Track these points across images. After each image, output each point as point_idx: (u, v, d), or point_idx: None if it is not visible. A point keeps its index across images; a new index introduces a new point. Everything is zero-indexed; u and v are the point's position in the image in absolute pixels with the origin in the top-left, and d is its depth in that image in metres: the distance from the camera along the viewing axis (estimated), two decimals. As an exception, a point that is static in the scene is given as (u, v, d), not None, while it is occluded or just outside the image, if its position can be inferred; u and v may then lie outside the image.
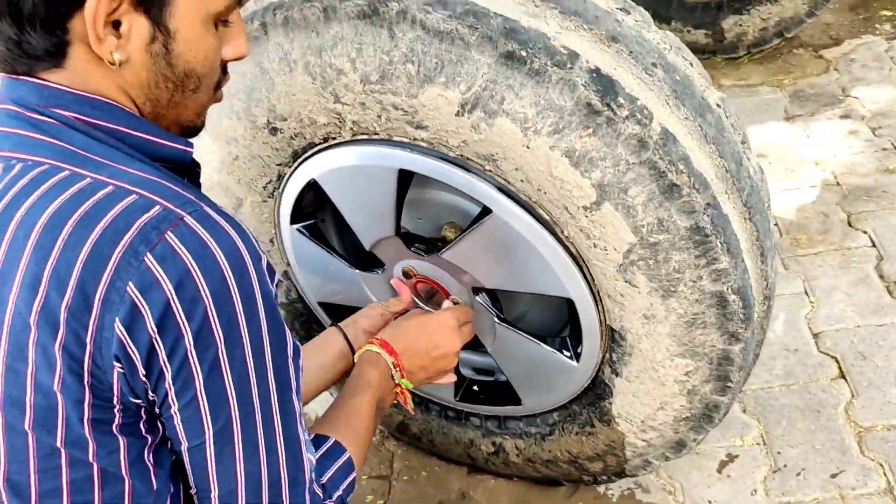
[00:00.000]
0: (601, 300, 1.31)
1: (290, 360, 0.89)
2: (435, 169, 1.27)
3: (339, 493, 1.01)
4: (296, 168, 1.43)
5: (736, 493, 1.72)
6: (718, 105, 1.25)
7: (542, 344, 1.46)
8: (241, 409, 0.84)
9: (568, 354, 1.46)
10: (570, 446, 1.60)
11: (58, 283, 0.77)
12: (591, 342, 1.39)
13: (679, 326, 1.27)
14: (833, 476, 1.71)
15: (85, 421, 0.81)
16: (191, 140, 0.95)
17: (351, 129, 1.30)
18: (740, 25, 3.17)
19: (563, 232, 1.25)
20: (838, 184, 2.52)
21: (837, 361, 1.95)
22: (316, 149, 1.38)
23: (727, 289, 1.22)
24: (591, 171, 1.15)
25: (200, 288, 0.78)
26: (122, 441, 0.84)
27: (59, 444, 0.82)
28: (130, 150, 0.87)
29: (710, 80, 1.27)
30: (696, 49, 3.27)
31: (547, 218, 1.24)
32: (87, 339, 0.77)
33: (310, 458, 0.93)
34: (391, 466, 1.90)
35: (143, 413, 0.85)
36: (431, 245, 1.45)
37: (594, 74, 1.12)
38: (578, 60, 1.12)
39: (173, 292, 0.77)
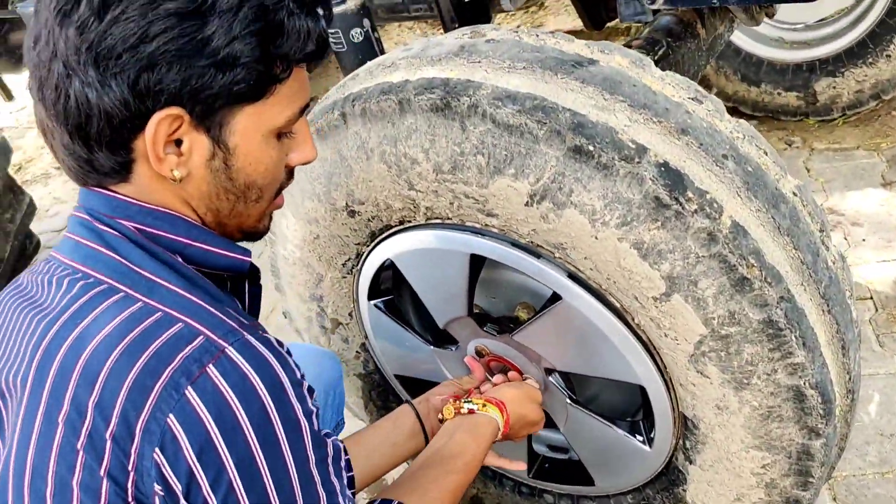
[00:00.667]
0: (673, 388, 1.29)
1: (332, 467, 0.91)
2: (506, 255, 1.30)
3: None
4: (373, 248, 1.48)
5: (823, 588, 1.64)
6: (794, 194, 1.23)
7: (614, 427, 1.44)
8: None
9: (641, 439, 1.44)
10: (645, 531, 1.56)
11: (102, 411, 0.79)
12: (663, 428, 1.37)
13: (754, 419, 1.24)
14: (931, 574, 1.62)
15: None
16: (249, 248, 0.99)
17: (425, 213, 1.34)
18: (834, 88, 3.10)
19: (633, 320, 1.24)
20: (939, 255, 2.41)
21: (937, 449, 1.85)
22: (392, 231, 1.42)
23: (804, 383, 1.18)
24: (660, 264, 1.15)
25: (240, 419, 0.79)
26: None
27: None
28: (185, 264, 0.91)
29: (787, 168, 1.25)
30: (787, 111, 3.21)
31: (617, 306, 1.24)
32: (130, 467, 0.79)
33: None
34: (464, 539, 1.90)
35: None
36: (504, 325, 1.47)
37: (663, 168, 1.12)
38: (647, 154, 1.13)
39: (213, 425, 0.78)
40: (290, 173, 0.99)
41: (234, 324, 0.84)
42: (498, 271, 1.45)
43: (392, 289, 1.59)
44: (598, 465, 1.55)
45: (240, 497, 0.80)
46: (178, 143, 0.86)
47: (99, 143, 0.84)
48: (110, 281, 0.86)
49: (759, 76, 3.20)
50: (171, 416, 0.77)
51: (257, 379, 0.81)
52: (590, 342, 1.32)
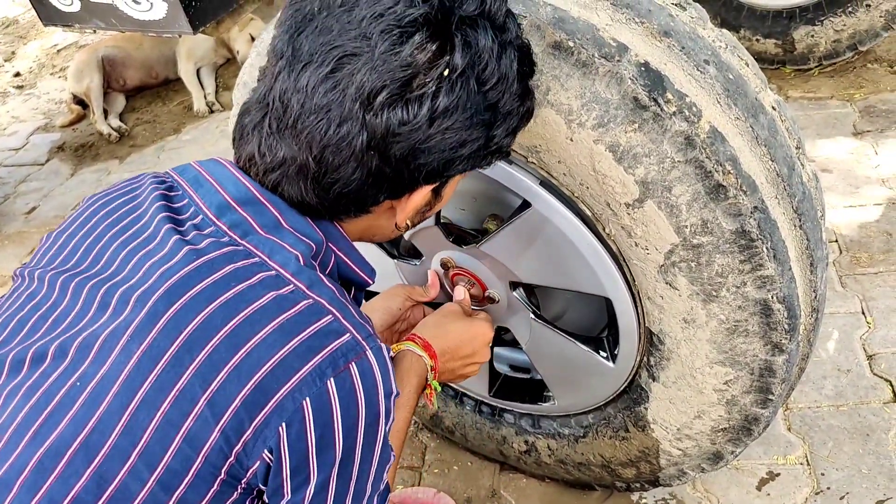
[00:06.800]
0: (640, 301, 1.28)
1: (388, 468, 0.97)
2: (477, 159, 1.26)
3: None
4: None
5: (774, 513, 1.67)
6: (773, 108, 1.21)
7: (577, 342, 1.43)
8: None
9: (604, 355, 1.43)
10: (604, 450, 1.57)
11: (240, 374, 0.81)
12: (628, 344, 1.36)
13: (720, 333, 1.23)
14: (879, 503, 1.65)
15: (209, 494, 0.84)
16: (375, 268, 1.06)
17: (396, 114, 1.29)
18: (812, 36, 3.08)
19: (604, 229, 1.22)
20: (905, 203, 2.43)
21: (892, 385, 1.88)
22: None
23: (772, 297, 1.17)
24: (635, 168, 1.12)
25: (360, 418, 0.85)
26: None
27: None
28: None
29: (767, 81, 1.23)
30: (765, 59, 3.19)
31: (588, 214, 1.22)
32: (249, 430, 0.81)
33: None
34: (423, 458, 1.90)
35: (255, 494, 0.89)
36: (472, 237, 1.44)
37: (643, 68, 1.09)
38: (627, 53, 1.09)
39: (339, 417, 0.83)
40: None
41: (369, 328, 0.88)
42: (468, 181, 1.42)
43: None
44: (560, 384, 1.55)
45: (332, 480, 0.86)
46: None
47: (343, 200, 0.90)
48: (260, 254, 0.88)
49: (739, 21, 3.17)
50: (307, 399, 0.81)
51: (381, 387, 0.86)
52: (557, 253, 1.30)
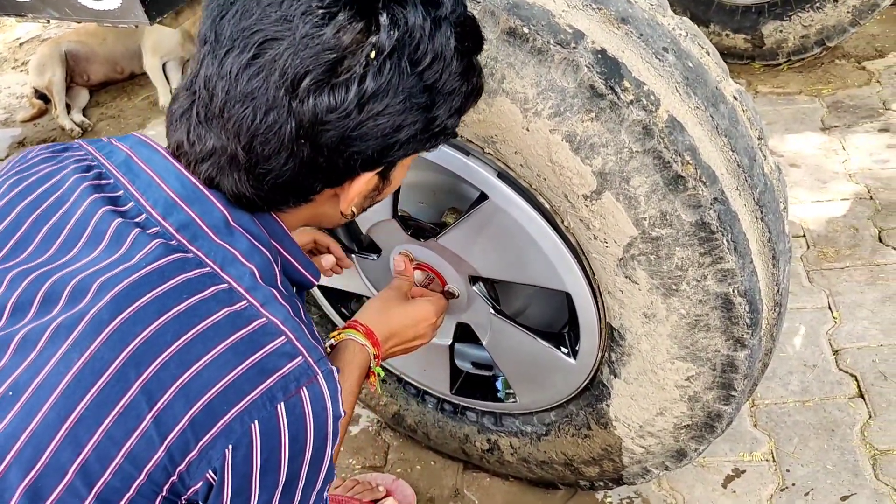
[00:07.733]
0: (600, 296, 1.25)
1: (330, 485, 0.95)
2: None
3: None
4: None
5: (740, 510, 1.65)
6: (734, 97, 1.18)
7: (538, 338, 1.40)
8: None
9: (565, 351, 1.40)
10: (566, 448, 1.54)
11: (188, 393, 0.78)
12: (589, 339, 1.33)
13: (681, 328, 1.21)
14: (843, 499, 1.63)
15: None
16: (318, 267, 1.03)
17: (350, 104, 1.25)
18: (781, 32, 3.08)
19: (562, 222, 1.19)
20: (871, 198, 2.42)
21: (857, 380, 1.87)
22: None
23: (733, 290, 1.15)
24: (593, 158, 1.09)
25: (308, 444, 0.83)
26: None
27: None
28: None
29: (734, 75, 1.21)
30: (734, 54, 3.18)
31: (546, 206, 1.19)
32: (194, 451, 0.78)
33: None
34: (385, 457, 1.86)
35: None
36: (431, 230, 1.40)
37: (599, 56, 1.06)
38: (584, 40, 1.06)
39: (286, 442, 0.81)
40: None
41: (321, 350, 0.86)
42: (428, 174, 1.38)
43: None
44: (522, 381, 1.52)
45: (274, 501, 0.84)
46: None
47: (279, 191, 0.86)
48: (211, 263, 0.84)
49: (709, 16, 3.16)
50: (256, 422, 0.79)
51: (330, 412, 0.84)
52: (516, 246, 1.26)
